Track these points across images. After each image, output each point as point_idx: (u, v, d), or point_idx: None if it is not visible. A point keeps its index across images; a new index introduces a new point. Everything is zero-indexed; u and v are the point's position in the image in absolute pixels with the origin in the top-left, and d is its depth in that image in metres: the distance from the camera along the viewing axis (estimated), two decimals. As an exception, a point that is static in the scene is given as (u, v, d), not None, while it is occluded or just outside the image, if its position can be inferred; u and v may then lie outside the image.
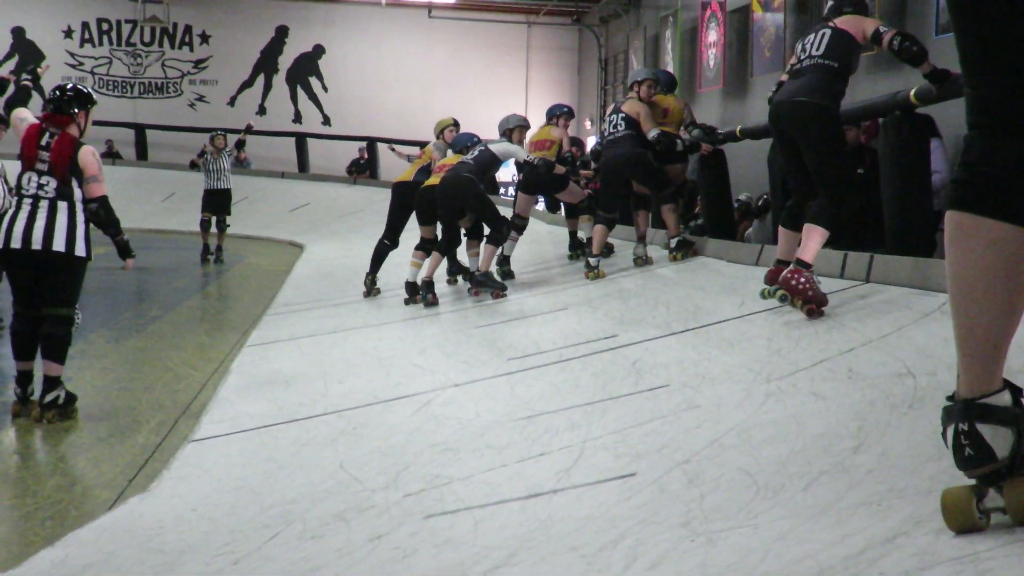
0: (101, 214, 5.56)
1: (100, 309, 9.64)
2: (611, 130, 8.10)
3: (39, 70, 6.68)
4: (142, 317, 9.14)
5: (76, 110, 5.63)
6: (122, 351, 7.41)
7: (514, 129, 8.77)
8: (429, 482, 3.63)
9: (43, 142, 5.48)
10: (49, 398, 5.33)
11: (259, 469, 4.21)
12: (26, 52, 24.52)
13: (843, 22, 5.31)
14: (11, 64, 24.45)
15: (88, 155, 5.53)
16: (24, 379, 5.47)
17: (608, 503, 3.05)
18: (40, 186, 5.42)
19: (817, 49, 5.26)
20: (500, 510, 3.20)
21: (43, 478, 4.45)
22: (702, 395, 4.11)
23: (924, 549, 2.14)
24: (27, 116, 5.76)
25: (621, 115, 8.05)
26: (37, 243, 5.31)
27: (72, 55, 24.72)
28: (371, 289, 9.23)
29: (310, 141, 22.92)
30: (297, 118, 25.26)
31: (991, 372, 2.04)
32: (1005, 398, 2.04)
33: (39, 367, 5.41)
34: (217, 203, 13.72)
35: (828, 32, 5.29)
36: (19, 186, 5.49)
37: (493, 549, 2.84)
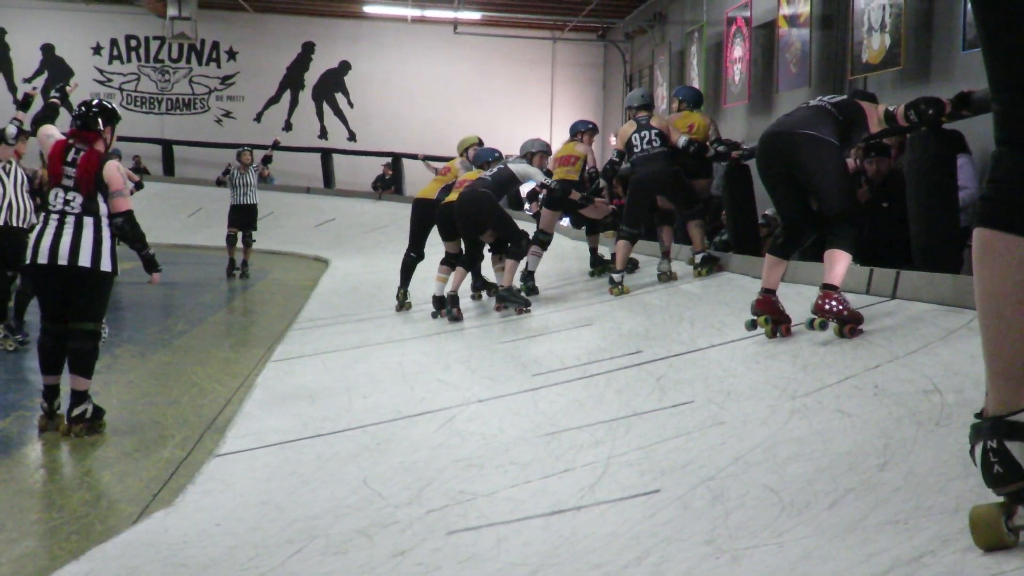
0: (127, 228, 5.58)
1: (126, 324, 9.70)
2: (644, 147, 8.05)
3: (68, 88, 6.73)
4: (168, 332, 9.18)
5: (102, 126, 5.69)
6: (148, 366, 7.45)
7: (536, 154, 8.84)
8: (453, 498, 3.62)
9: (69, 158, 5.53)
10: (76, 412, 5.36)
11: (283, 484, 4.21)
12: (55, 69, 24.75)
13: (862, 101, 5.44)
14: (41, 80, 24.70)
15: (113, 170, 5.56)
16: (51, 393, 5.50)
17: (632, 520, 3.04)
18: (66, 202, 5.46)
19: (831, 100, 5.35)
20: (524, 526, 3.19)
21: (69, 492, 4.47)
22: (727, 412, 4.09)
23: (951, 568, 2.12)
24: (54, 132, 5.79)
25: (654, 131, 8.07)
26: (63, 259, 5.36)
27: (101, 71, 24.93)
28: (403, 303, 9.29)
29: (336, 157, 23.02)
30: (323, 134, 25.36)
31: (1020, 389, 2.03)
32: None
33: (66, 382, 5.44)
34: (243, 218, 13.79)
35: (846, 98, 5.44)
36: (46, 202, 5.55)
37: (516, 566, 2.83)
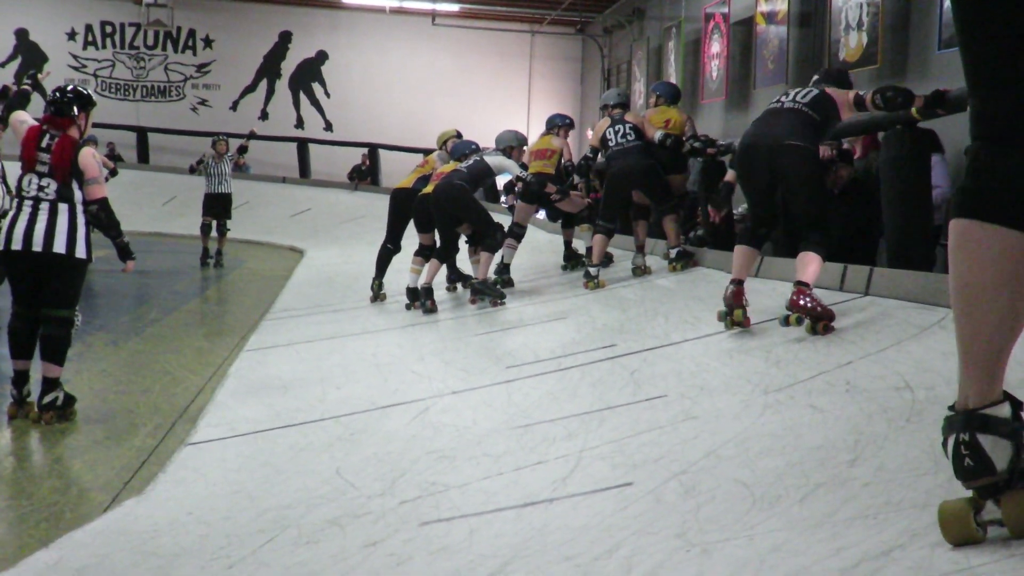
0: (102, 216, 5.56)
1: (99, 311, 9.63)
2: (619, 140, 8.07)
3: (40, 76, 6.68)
4: (141, 320, 9.13)
5: (76, 112, 5.65)
6: (120, 354, 7.41)
7: (513, 148, 8.82)
8: (425, 489, 3.62)
9: (43, 144, 5.50)
10: (48, 399, 5.34)
11: (255, 474, 4.20)
12: (29, 54, 24.54)
13: (830, 89, 5.42)
14: (15, 66, 24.48)
15: (88, 157, 5.54)
16: (20, 379, 5.46)
17: (604, 513, 3.05)
18: (41, 188, 5.44)
19: (803, 98, 5.32)
20: (496, 518, 3.20)
21: (39, 480, 4.45)
22: (700, 406, 4.11)
23: (920, 563, 2.14)
24: (26, 119, 5.75)
25: (628, 125, 8.09)
26: (38, 245, 5.33)
27: (75, 57, 24.74)
28: (377, 294, 9.29)
29: (312, 147, 22.93)
30: (299, 123, 25.27)
31: (993, 382, 2.05)
32: (1005, 410, 2.04)
33: (36, 368, 5.40)
34: (218, 207, 13.76)
35: (816, 92, 5.38)
36: (20, 188, 5.51)
37: (488, 557, 2.84)
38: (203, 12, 24.80)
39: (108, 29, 24.83)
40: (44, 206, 5.41)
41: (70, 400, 5.48)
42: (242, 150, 14.73)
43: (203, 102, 25.06)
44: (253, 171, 22.10)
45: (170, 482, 4.18)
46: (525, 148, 9.17)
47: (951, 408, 2.11)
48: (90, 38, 24.80)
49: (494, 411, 4.73)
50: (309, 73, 25.46)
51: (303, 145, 22.78)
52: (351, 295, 9.88)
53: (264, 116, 25.14)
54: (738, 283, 5.33)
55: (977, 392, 2.05)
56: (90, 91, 5.91)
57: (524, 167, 8.74)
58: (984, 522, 2.08)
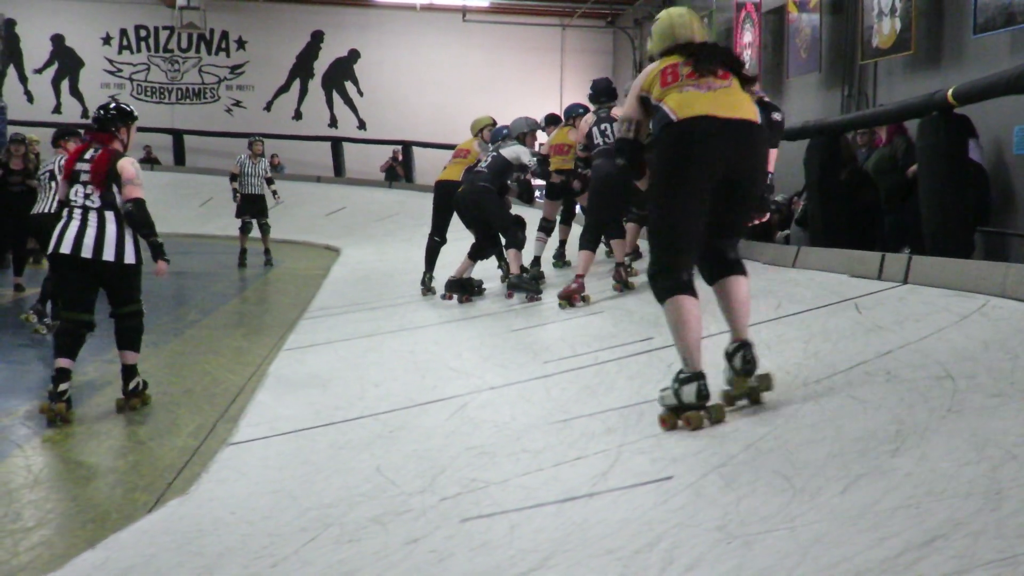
0: (135, 214, 5.75)
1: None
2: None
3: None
4: (180, 321, 9.21)
5: (118, 127, 5.96)
6: (161, 355, 7.47)
7: (527, 134, 8.93)
8: (465, 486, 3.64)
9: (87, 156, 5.82)
10: (131, 386, 5.87)
11: (296, 472, 4.23)
12: (65, 59, 24.79)
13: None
14: (51, 71, 24.74)
15: (126, 163, 5.82)
16: (62, 376, 5.59)
17: (644, 506, 3.05)
18: (87, 196, 5.76)
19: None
20: (536, 513, 3.20)
21: (84, 481, 4.50)
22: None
23: (963, 552, 2.12)
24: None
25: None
26: (87, 251, 5.64)
27: (111, 62, 24.96)
28: (428, 287, 9.34)
29: (346, 145, 23.01)
30: (333, 122, 25.37)
31: None
32: None
33: (54, 366, 5.62)
34: (254, 207, 13.85)
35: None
36: (67, 198, 5.80)
37: (529, 552, 2.85)
38: (236, 14, 24.95)
39: (142, 33, 25.04)
40: (92, 215, 5.72)
41: (145, 384, 5.95)
42: (269, 181, 14.46)
43: (237, 103, 25.21)
44: (288, 171, 22.20)
45: (213, 482, 4.22)
46: (538, 134, 9.25)
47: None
48: (125, 42, 25.02)
49: (532, 406, 4.74)
50: (341, 72, 25.55)
51: (337, 144, 22.87)
52: (387, 292, 9.91)
53: (298, 116, 25.27)
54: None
55: None
56: (131, 106, 6.18)
57: (536, 155, 8.76)
58: None
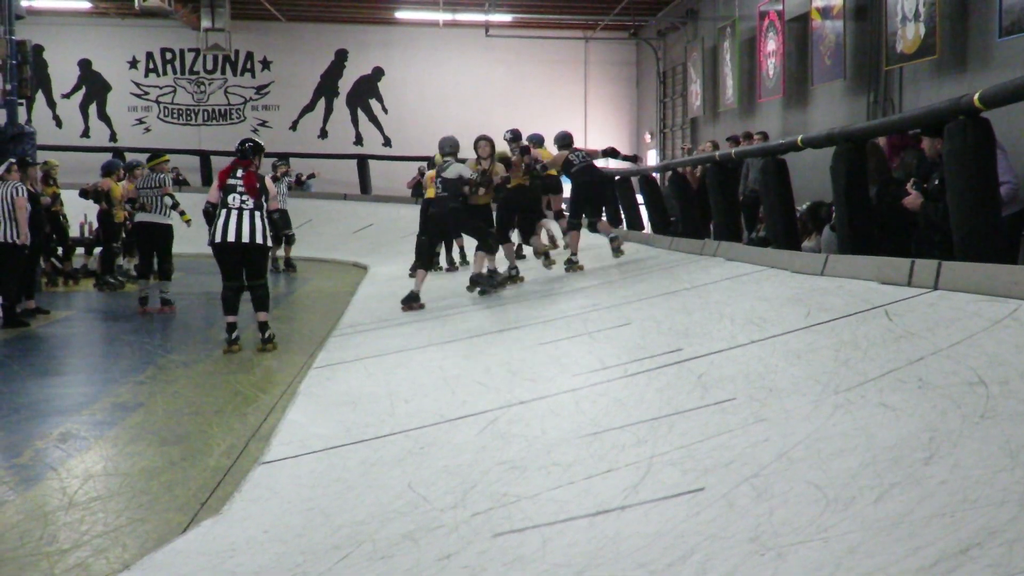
0: (278, 220, 9.16)
1: (169, 335, 9.80)
2: (579, 162, 10.74)
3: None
4: (210, 341, 9.27)
5: (254, 155, 8.85)
6: (191, 376, 7.52)
7: (455, 153, 10.28)
8: (497, 500, 3.64)
9: (238, 174, 8.66)
10: (267, 335, 8.76)
11: (328, 490, 4.25)
12: (93, 83, 25.04)
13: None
14: (79, 96, 24.98)
15: (270, 183, 8.92)
16: (231, 328, 8.65)
17: (676, 519, 3.04)
18: (243, 202, 8.57)
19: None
20: (568, 527, 3.20)
21: (118, 501, 4.53)
22: (769, 408, 4.08)
23: (998, 560, 2.11)
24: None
25: (582, 152, 10.96)
26: (246, 238, 8.49)
27: (137, 85, 25.22)
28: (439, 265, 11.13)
29: (371, 163, 23.11)
30: (358, 140, 25.51)
31: None
32: None
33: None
34: (280, 220, 14.27)
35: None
36: (224, 201, 8.56)
37: (562, 567, 2.85)
38: (260, 35, 25.15)
39: (168, 56, 25.28)
40: (247, 213, 8.54)
41: (273, 336, 8.81)
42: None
43: (263, 123, 25.39)
44: (314, 189, 22.32)
45: (246, 501, 4.24)
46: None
47: None
48: (151, 65, 25.27)
49: (562, 420, 4.73)
50: (366, 90, 25.70)
51: (363, 161, 23.00)
52: (416, 309, 9.93)
53: (323, 135, 25.42)
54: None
55: None
56: (261, 141, 9.13)
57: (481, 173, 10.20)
58: None
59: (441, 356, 7.13)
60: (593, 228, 10.93)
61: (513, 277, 10.61)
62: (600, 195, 10.92)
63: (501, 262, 10.55)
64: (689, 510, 3.09)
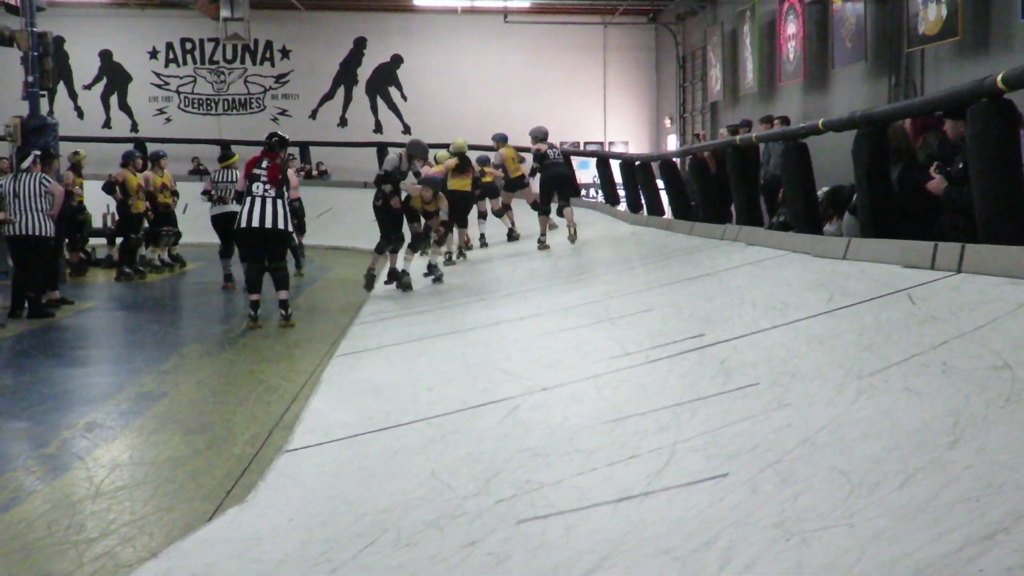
0: (297, 206, 10.97)
1: (192, 324, 9.85)
2: (554, 157, 12.96)
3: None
4: (232, 331, 9.31)
5: (280, 148, 9.73)
6: (215, 365, 7.56)
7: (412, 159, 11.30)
8: (520, 487, 3.64)
9: (263, 165, 9.37)
10: (287, 312, 9.42)
11: (352, 478, 4.26)
12: (114, 74, 25.13)
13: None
14: (100, 87, 25.08)
15: (292, 173, 10.01)
16: (255, 306, 9.36)
17: (700, 505, 3.04)
18: (265, 191, 9.26)
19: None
20: (592, 514, 3.20)
21: (144, 491, 4.56)
22: (792, 393, 4.06)
23: (1025, 546, 2.10)
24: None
25: (557, 150, 13.24)
26: (268, 223, 9.19)
27: (158, 75, 25.30)
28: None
29: (391, 150, 23.12)
30: (378, 128, 25.52)
31: None
32: None
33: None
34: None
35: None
36: (249, 189, 9.28)
37: (586, 553, 2.85)
38: (279, 24, 25.17)
39: (188, 46, 25.34)
40: (269, 201, 9.23)
41: (292, 312, 9.47)
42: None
43: (283, 112, 25.45)
44: (334, 178, 22.34)
45: (270, 489, 4.26)
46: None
47: None
48: (171, 55, 25.34)
49: (584, 406, 4.73)
50: (385, 77, 25.70)
51: (383, 149, 22.98)
52: (436, 296, 9.95)
53: (343, 123, 25.44)
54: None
55: None
56: (286, 135, 10.16)
57: (417, 174, 11.25)
58: None
59: (463, 343, 7.14)
60: (560, 213, 12.88)
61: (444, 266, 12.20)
62: (566, 185, 13.29)
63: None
64: (713, 496, 3.09)
